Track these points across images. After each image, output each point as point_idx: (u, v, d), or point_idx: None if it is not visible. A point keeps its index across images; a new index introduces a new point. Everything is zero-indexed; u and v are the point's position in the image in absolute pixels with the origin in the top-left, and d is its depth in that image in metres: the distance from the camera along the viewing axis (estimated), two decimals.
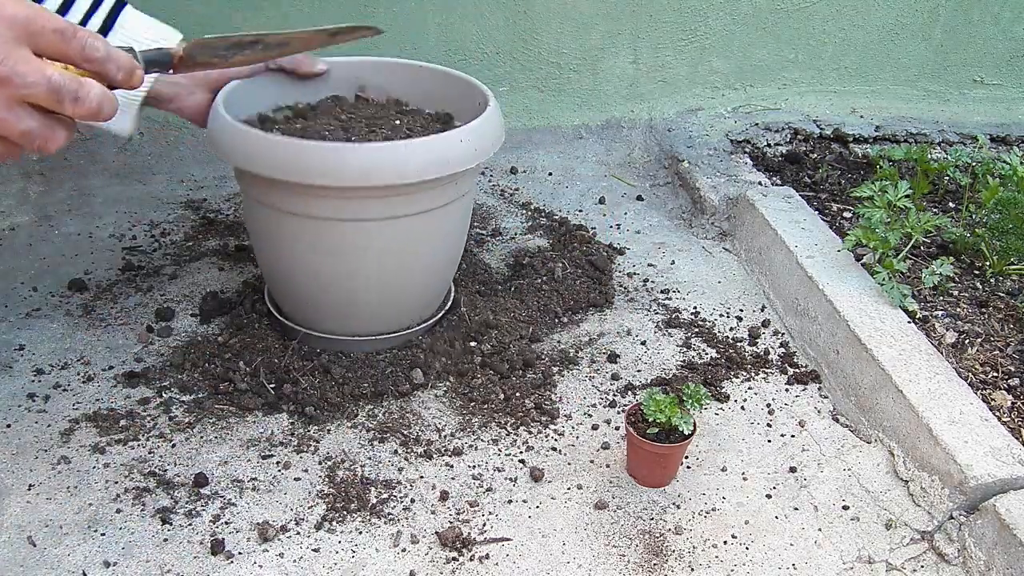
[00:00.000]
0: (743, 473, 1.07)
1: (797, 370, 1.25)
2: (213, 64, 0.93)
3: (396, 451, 1.07)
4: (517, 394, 1.15)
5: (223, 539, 0.93)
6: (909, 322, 1.22)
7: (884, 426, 1.12)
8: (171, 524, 0.95)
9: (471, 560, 0.94)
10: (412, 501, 1.00)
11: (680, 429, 1.00)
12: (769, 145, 1.81)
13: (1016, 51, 1.94)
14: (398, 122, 1.21)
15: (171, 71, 0.87)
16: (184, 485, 1.00)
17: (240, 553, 0.93)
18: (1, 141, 0.70)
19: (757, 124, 1.84)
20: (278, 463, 1.04)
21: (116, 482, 1.00)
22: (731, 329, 1.32)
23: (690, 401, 1.03)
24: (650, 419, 1.00)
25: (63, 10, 0.99)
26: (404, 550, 0.94)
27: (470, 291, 1.33)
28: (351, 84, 1.30)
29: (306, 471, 1.03)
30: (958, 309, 1.30)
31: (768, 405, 1.18)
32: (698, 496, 1.03)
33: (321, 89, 1.29)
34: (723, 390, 1.19)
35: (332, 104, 1.27)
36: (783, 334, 1.32)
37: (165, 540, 0.94)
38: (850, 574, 0.95)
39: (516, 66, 1.78)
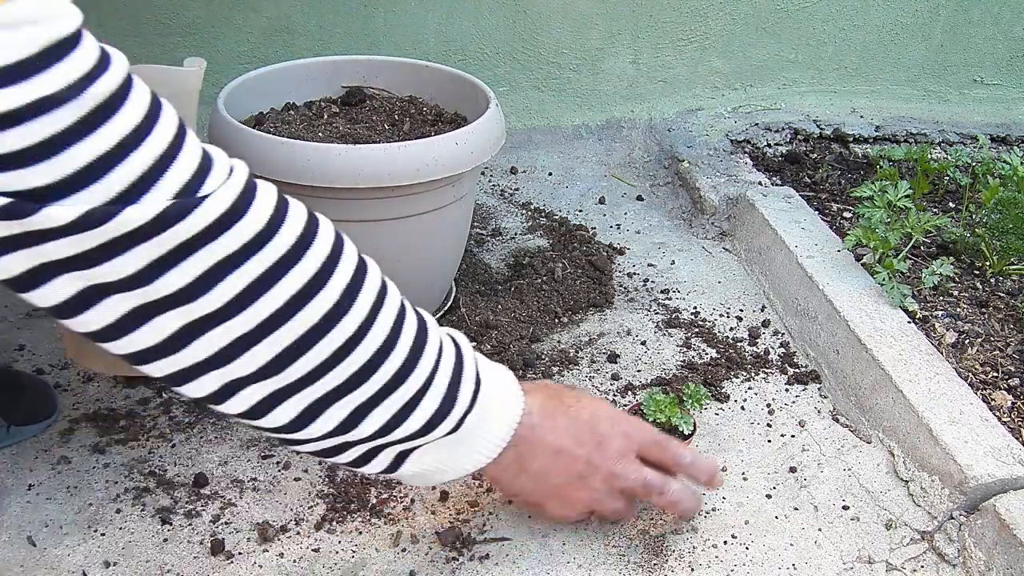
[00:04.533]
0: (743, 473, 1.07)
1: (797, 370, 1.25)
2: None
3: None
4: None
5: (223, 539, 0.93)
6: (909, 322, 1.22)
7: (884, 426, 1.12)
8: (171, 524, 0.95)
9: (471, 560, 0.94)
10: (412, 501, 1.00)
11: (680, 429, 1.00)
12: (769, 145, 1.81)
13: (1016, 51, 1.94)
14: (406, 124, 1.21)
15: None
16: (184, 485, 1.00)
17: (240, 553, 0.93)
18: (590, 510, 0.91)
19: (757, 124, 1.84)
20: (278, 463, 1.04)
21: (116, 482, 1.00)
22: (731, 329, 1.32)
23: (690, 401, 1.03)
24: (650, 419, 1.00)
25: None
26: (404, 550, 0.94)
27: (470, 291, 1.33)
28: (356, 82, 1.30)
29: (306, 471, 1.03)
30: (958, 309, 1.30)
31: (768, 405, 1.18)
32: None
33: (326, 87, 1.29)
34: (723, 390, 1.19)
35: (338, 103, 1.27)
36: (783, 334, 1.32)
37: (165, 540, 0.94)
38: (850, 574, 0.95)
39: (516, 66, 1.78)
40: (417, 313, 0.74)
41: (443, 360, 0.74)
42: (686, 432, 1.00)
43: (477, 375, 0.77)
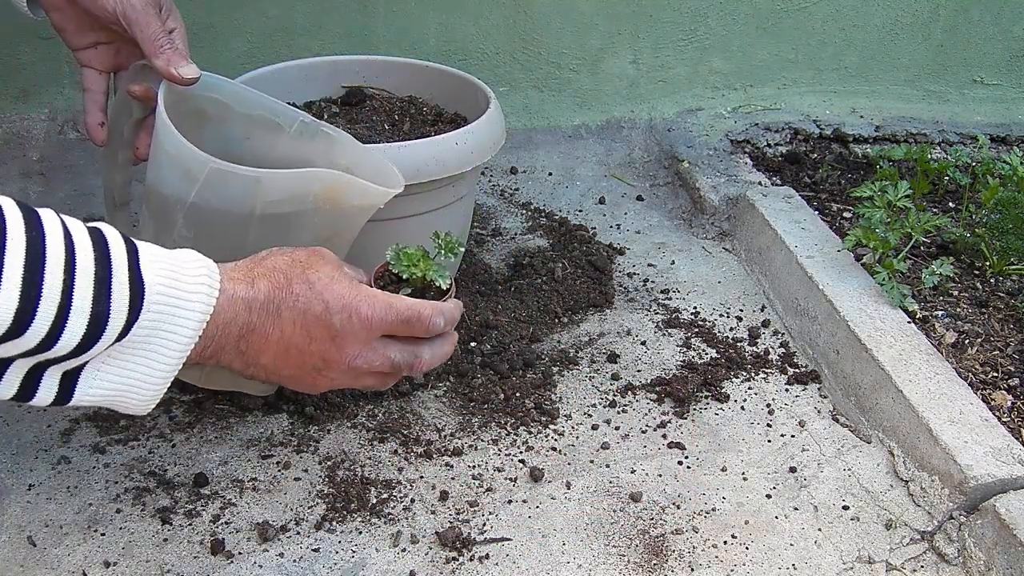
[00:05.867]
0: (743, 473, 1.07)
1: (797, 370, 1.25)
2: None
3: (396, 451, 1.07)
4: (517, 394, 1.15)
5: (223, 539, 0.93)
6: (909, 322, 1.22)
7: (884, 426, 1.12)
8: (171, 524, 0.95)
9: (471, 560, 0.94)
10: (412, 501, 1.00)
11: (437, 284, 0.91)
12: (769, 145, 1.81)
13: (1016, 51, 1.94)
14: (406, 124, 1.21)
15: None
16: (184, 485, 1.00)
17: (240, 553, 0.93)
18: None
19: (757, 124, 1.84)
20: (278, 463, 1.04)
21: (116, 482, 1.00)
22: (731, 329, 1.32)
23: (442, 250, 0.92)
24: (404, 275, 0.90)
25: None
26: (404, 550, 0.94)
27: (470, 291, 1.33)
28: (356, 82, 1.30)
29: (306, 471, 1.03)
30: (958, 309, 1.30)
31: (768, 405, 1.18)
32: (698, 496, 1.03)
33: (326, 87, 1.29)
34: (723, 390, 1.19)
35: (338, 103, 1.27)
36: (783, 334, 1.32)
37: (165, 540, 0.94)
38: (850, 574, 0.95)
39: (516, 66, 1.78)
40: (30, 233, 0.64)
41: (80, 270, 0.67)
42: (444, 287, 0.91)
43: (136, 279, 0.70)
